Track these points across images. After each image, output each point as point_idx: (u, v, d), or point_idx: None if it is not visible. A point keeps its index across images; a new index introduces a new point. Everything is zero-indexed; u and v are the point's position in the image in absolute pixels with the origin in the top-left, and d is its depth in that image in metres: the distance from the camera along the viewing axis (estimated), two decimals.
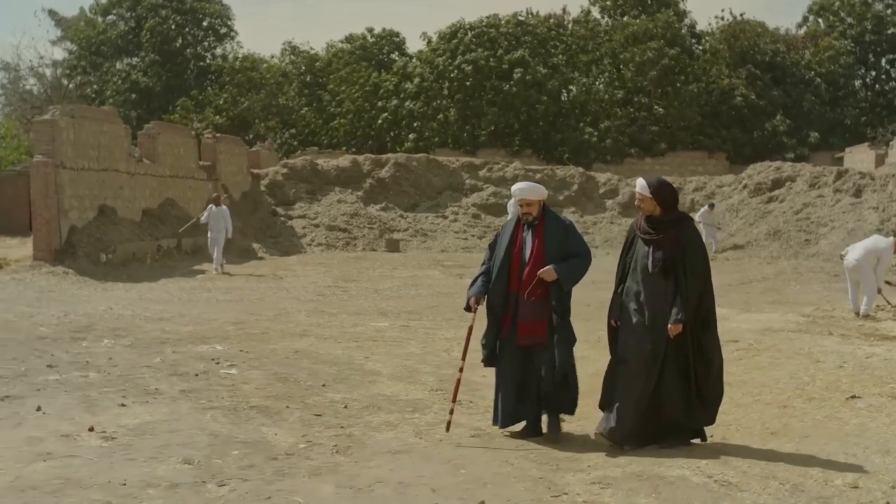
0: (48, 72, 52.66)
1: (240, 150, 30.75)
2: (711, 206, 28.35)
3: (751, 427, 7.27)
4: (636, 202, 6.65)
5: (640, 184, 6.59)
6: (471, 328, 6.88)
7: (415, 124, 42.55)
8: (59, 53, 55.02)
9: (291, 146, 46.18)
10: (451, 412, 6.82)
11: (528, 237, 6.76)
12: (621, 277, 6.62)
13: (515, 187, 6.90)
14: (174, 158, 25.23)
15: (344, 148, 42.41)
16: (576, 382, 6.74)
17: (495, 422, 6.80)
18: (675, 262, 6.31)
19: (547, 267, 6.60)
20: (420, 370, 9.54)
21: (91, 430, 6.72)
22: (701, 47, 46.21)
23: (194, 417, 7.26)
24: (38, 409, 7.39)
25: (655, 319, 6.35)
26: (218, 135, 29.63)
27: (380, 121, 42.96)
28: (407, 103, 42.83)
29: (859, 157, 35.74)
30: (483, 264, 6.97)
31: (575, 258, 6.72)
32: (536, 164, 37.66)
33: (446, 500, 5.15)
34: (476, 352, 6.96)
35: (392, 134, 43.85)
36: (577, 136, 42.21)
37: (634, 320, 6.42)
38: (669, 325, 6.28)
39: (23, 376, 8.80)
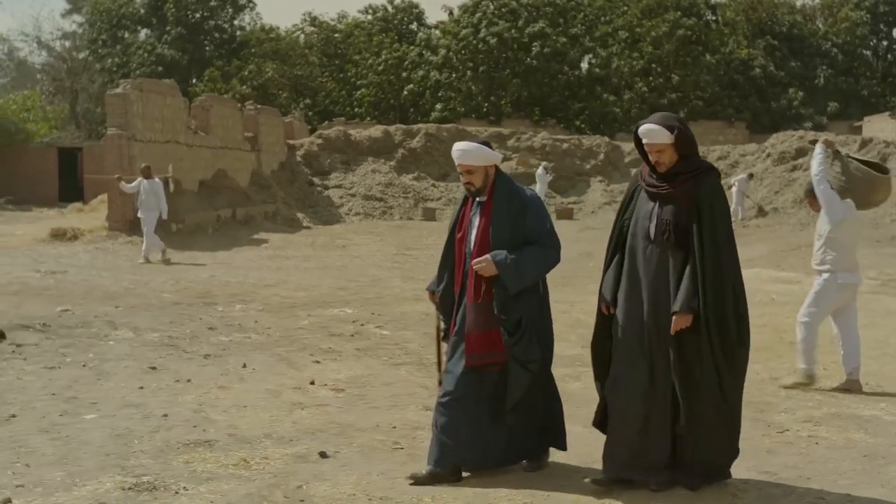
0: (60, 44, 52.89)
1: (277, 122, 31.28)
2: (751, 175, 29.10)
3: (894, 377, 8.02)
4: (652, 158, 4.76)
5: (653, 130, 4.73)
6: (438, 329, 5.36)
7: (439, 94, 43.11)
8: (69, 26, 54.97)
9: (307, 117, 46.64)
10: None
11: (475, 217, 5.08)
12: (617, 245, 4.90)
13: (454, 149, 5.16)
14: (224, 130, 25.76)
15: (368, 119, 42.92)
16: (541, 415, 5.11)
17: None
18: (688, 227, 4.62)
19: (483, 256, 4.90)
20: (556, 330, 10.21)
21: (312, 383, 7.41)
22: (715, 18, 46.82)
23: (392, 372, 7.96)
24: (244, 366, 8.06)
25: (658, 307, 4.66)
26: (259, 106, 30.11)
27: (405, 91, 43.47)
28: (432, 74, 43.38)
29: (879, 126, 36.49)
30: None
31: (531, 246, 4.93)
32: (563, 134, 38.29)
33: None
34: None
35: (416, 104, 44.36)
36: (598, 105, 42.90)
37: (628, 307, 4.75)
38: (673, 316, 4.59)
39: (195, 338, 9.46)
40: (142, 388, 7.12)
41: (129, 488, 4.77)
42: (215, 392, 7.05)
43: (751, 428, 6.06)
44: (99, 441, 5.64)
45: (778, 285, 14.30)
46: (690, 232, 4.59)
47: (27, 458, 5.29)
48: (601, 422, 4.98)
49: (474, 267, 4.89)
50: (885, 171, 7.39)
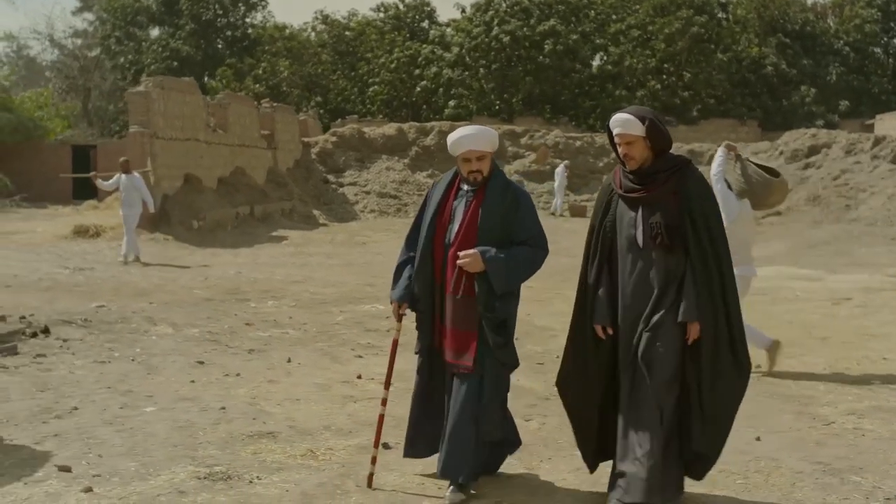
0: (71, 42, 53.16)
1: (291, 119, 31.48)
2: None
3: None
4: (620, 151, 4.46)
5: (624, 120, 4.43)
6: (395, 342, 5.13)
7: (452, 91, 43.36)
8: (80, 23, 55.35)
9: (319, 115, 46.94)
10: (374, 461, 4.92)
11: (460, 206, 4.70)
12: (601, 261, 4.54)
13: (457, 135, 4.68)
14: (241, 128, 25.94)
15: (381, 116, 43.15)
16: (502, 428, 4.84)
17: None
18: (681, 226, 4.33)
19: (471, 250, 4.55)
20: None
21: (359, 377, 7.57)
22: (727, 16, 46.99)
23: None
24: (289, 360, 8.22)
25: (662, 318, 4.34)
26: (275, 104, 30.29)
27: (418, 89, 43.71)
28: (445, 71, 43.64)
29: (891, 124, 36.55)
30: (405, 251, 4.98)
31: (520, 246, 4.62)
32: (575, 132, 38.42)
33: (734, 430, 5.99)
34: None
35: (429, 102, 44.59)
36: (610, 103, 43.11)
37: (624, 322, 4.46)
38: (688, 324, 4.31)
39: (234, 333, 9.61)
40: (193, 381, 7.26)
41: (204, 478, 4.92)
42: (266, 386, 7.20)
43: (796, 420, 6.21)
44: (163, 433, 5.79)
45: (800, 282, 14.40)
46: (685, 231, 4.31)
47: (98, 448, 5.44)
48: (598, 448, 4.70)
49: (460, 262, 4.53)
50: (777, 174, 7.82)
